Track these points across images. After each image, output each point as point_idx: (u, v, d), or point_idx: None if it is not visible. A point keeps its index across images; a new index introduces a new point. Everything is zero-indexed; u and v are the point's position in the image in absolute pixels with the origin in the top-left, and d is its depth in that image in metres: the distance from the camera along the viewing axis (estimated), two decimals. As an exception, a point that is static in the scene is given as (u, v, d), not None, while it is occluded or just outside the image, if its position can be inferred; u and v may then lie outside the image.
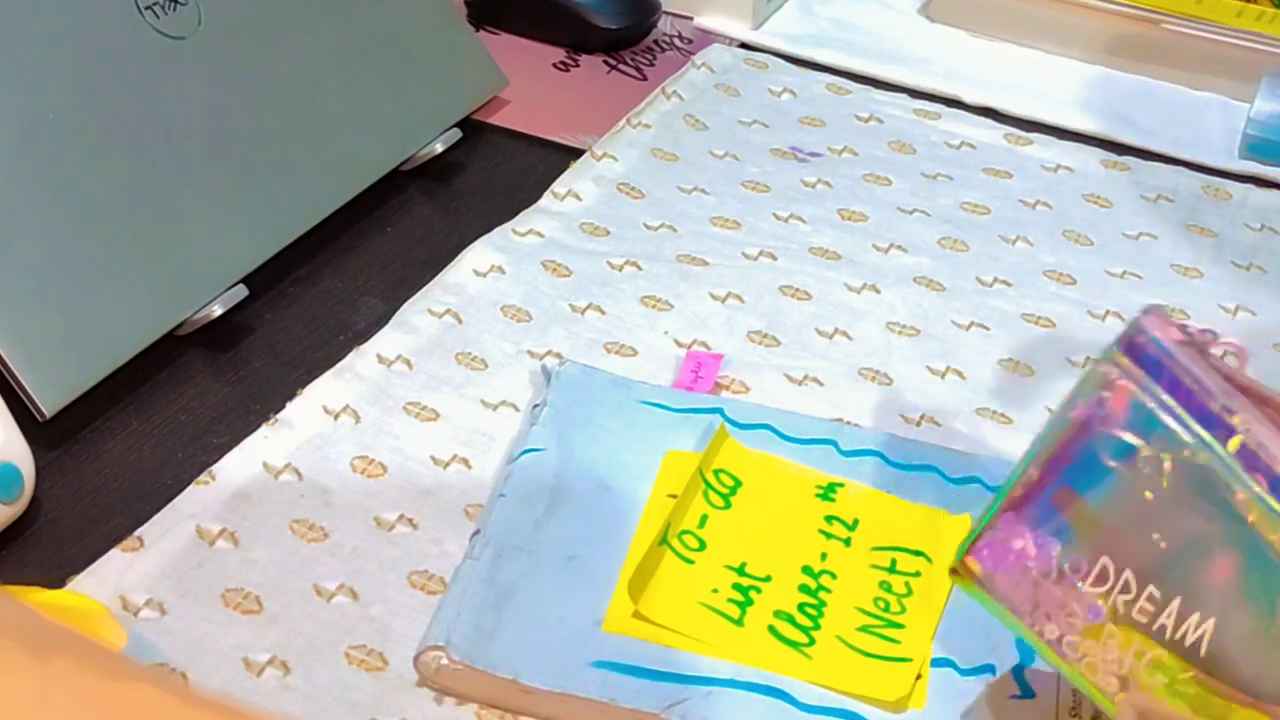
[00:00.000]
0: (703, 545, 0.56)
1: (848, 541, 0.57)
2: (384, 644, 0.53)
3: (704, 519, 0.57)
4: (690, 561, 0.56)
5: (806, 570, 0.56)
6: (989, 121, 0.87)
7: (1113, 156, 0.84)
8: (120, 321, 0.63)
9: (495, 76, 0.84)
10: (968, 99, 0.88)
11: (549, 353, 0.66)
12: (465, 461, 0.61)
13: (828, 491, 0.59)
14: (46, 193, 0.62)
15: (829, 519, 0.58)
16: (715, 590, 0.55)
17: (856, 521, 0.58)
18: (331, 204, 0.72)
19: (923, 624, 0.54)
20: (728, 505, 0.58)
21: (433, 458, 0.61)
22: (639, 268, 0.72)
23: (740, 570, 0.56)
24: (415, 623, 0.53)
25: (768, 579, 0.55)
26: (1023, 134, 0.86)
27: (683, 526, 0.57)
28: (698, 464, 0.58)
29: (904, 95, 0.88)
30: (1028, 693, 0.52)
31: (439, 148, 0.78)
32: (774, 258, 0.74)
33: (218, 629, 0.53)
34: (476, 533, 0.56)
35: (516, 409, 0.63)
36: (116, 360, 0.62)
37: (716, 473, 0.59)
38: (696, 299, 0.71)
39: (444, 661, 0.51)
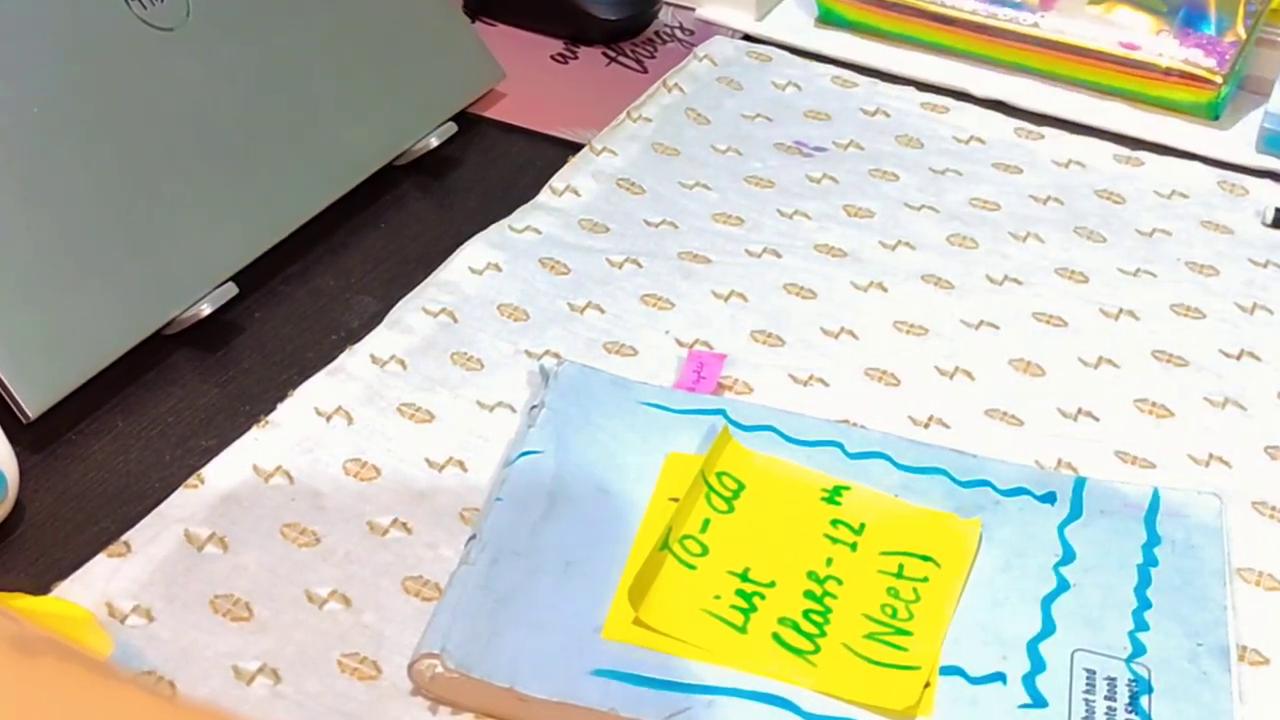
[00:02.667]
0: (705, 550, 0.56)
1: (854, 546, 0.57)
2: (377, 652, 0.53)
3: (706, 523, 0.57)
4: (692, 567, 0.56)
5: (812, 576, 0.56)
6: (999, 115, 0.86)
7: (1126, 151, 0.84)
8: (106, 320, 0.63)
9: (492, 69, 0.84)
10: (976, 92, 0.88)
11: (547, 352, 0.66)
12: (461, 464, 0.61)
13: (833, 495, 0.59)
14: (29, 188, 0.62)
15: (835, 523, 0.58)
16: (718, 597, 0.55)
17: (863, 526, 0.58)
18: (323, 200, 0.72)
19: (931, 631, 0.54)
20: (730, 509, 0.58)
21: (427, 460, 0.61)
22: (639, 265, 0.72)
23: (743, 576, 0.56)
24: (409, 630, 0.53)
25: (772, 585, 0.55)
26: (1033, 128, 0.85)
27: (684, 531, 0.57)
28: (700, 467, 0.58)
29: (911, 88, 0.88)
30: (1039, 702, 0.52)
31: (434, 142, 0.78)
32: (778, 255, 0.74)
33: (206, 636, 0.53)
34: (473, 537, 0.56)
35: (513, 410, 0.63)
36: (102, 360, 0.62)
37: (719, 475, 0.59)
38: (698, 297, 0.71)
39: (439, 669, 0.51)
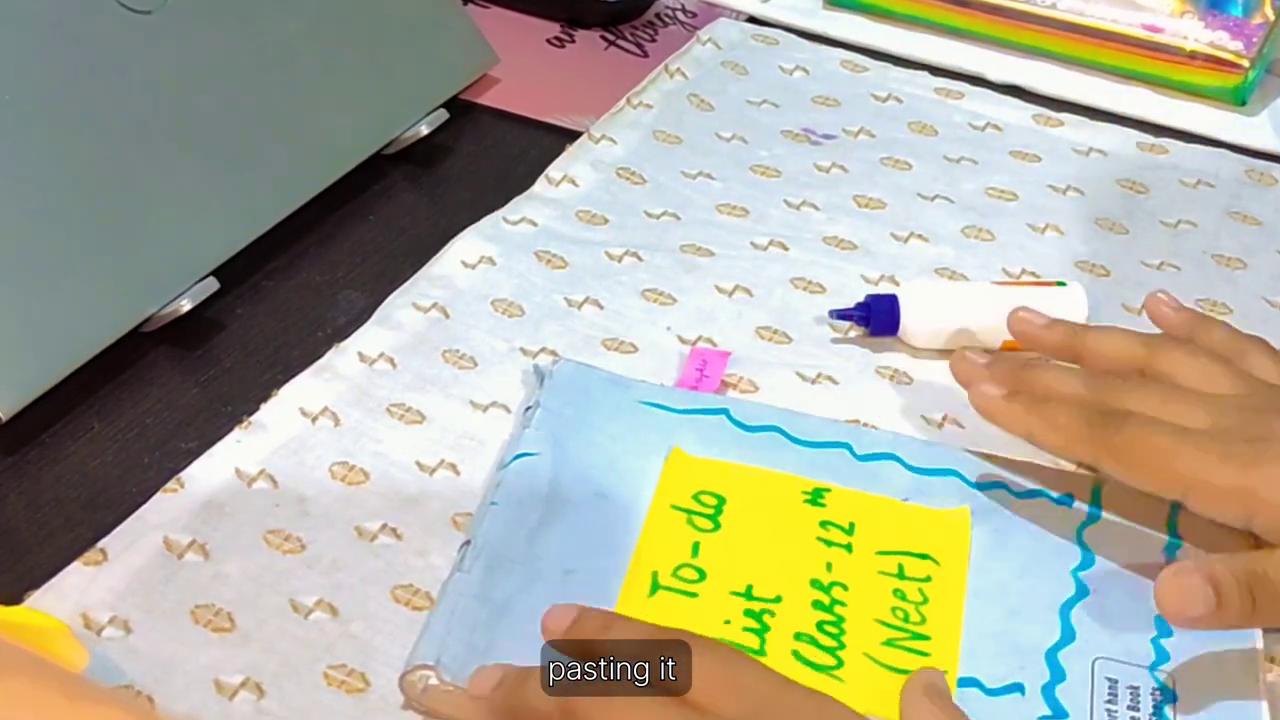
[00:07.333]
0: (702, 575, 0.56)
1: (849, 548, 0.57)
2: (366, 663, 0.53)
3: (696, 547, 0.57)
4: (694, 595, 0.55)
5: (816, 584, 0.56)
6: (1016, 101, 0.87)
7: (1149, 138, 0.84)
8: (81, 317, 0.63)
9: (485, 53, 0.84)
10: (993, 76, 0.88)
11: (542, 350, 0.66)
12: (453, 467, 0.61)
13: (815, 497, 0.59)
14: (0, 179, 0.62)
15: (824, 525, 0.58)
16: (727, 622, 0.54)
17: (853, 525, 0.58)
18: (309, 191, 0.72)
19: (947, 632, 0.54)
20: (717, 526, 0.58)
21: (418, 463, 0.61)
22: (640, 258, 0.72)
23: (747, 594, 0.55)
24: (399, 640, 0.53)
25: (778, 599, 0.55)
26: (1052, 114, 0.86)
27: (675, 563, 0.56)
28: (667, 500, 0.58)
29: (924, 73, 0.89)
30: (1059, 713, 0.52)
31: (424, 130, 0.78)
32: (785, 248, 0.74)
33: (187, 648, 0.53)
34: (466, 544, 0.56)
35: (508, 410, 0.63)
36: (77, 359, 0.62)
37: (696, 496, 0.59)
38: (701, 292, 0.71)
39: (433, 681, 0.51)
